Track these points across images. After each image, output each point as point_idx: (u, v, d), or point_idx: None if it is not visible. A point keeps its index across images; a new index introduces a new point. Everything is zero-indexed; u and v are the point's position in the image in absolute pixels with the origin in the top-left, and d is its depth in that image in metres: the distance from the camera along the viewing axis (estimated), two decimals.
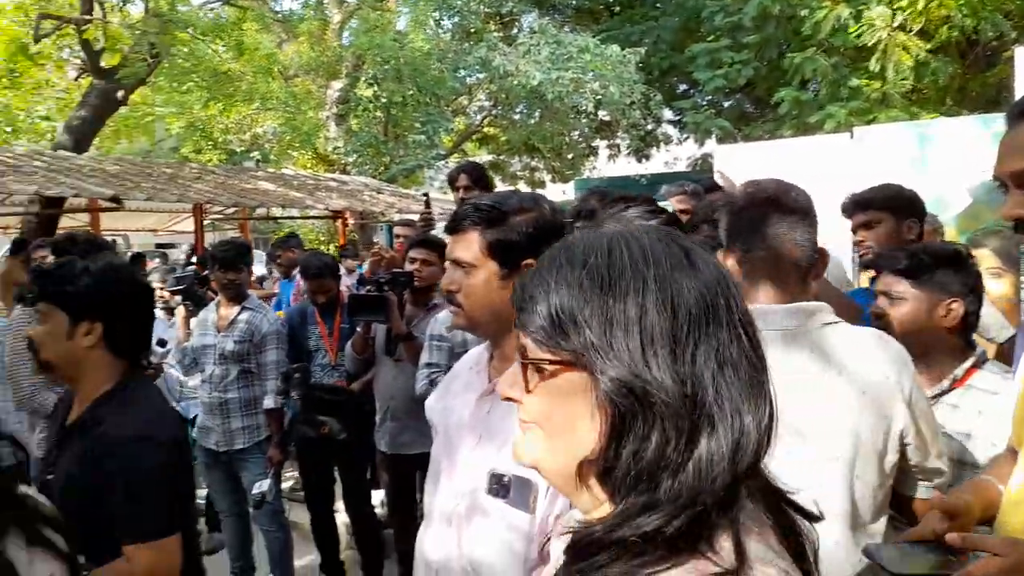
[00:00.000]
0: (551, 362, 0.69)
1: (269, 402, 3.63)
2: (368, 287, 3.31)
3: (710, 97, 12.08)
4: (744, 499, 0.67)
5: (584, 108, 12.68)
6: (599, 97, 12.18)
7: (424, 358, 3.26)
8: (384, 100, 13.07)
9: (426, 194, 4.65)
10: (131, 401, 1.66)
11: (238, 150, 14.58)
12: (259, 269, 9.30)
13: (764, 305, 1.47)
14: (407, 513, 3.82)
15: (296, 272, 5.45)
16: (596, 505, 0.71)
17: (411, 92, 12.83)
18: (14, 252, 7.10)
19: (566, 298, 0.68)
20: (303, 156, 15.42)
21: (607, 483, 0.68)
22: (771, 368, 0.71)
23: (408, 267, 3.37)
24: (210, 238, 11.91)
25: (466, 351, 1.76)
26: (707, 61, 10.26)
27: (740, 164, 4.95)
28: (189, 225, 14.02)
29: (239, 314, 3.65)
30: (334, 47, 13.84)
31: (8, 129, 13.96)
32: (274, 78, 13.41)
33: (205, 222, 11.31)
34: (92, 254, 3.27)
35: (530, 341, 0.70)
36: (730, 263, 1.53)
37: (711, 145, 12.04)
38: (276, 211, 14.11)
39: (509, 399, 0.74)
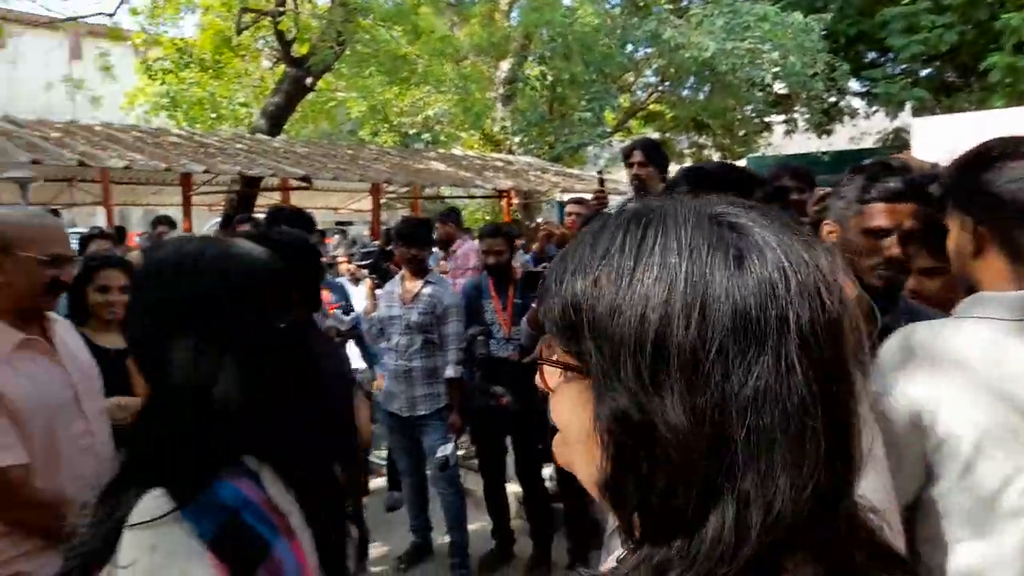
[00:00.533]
0: (562, 363, 0.58)
1: (450, 372, 3.77)
2: (544, 264, 3.34)
3: (905, 66, 11.04)
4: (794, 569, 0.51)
5: (760, 81, 12.00)
6: (778, 68, 11.48)
7: None
8: (551, 79, 13.10)
9: (600, 172, 4.62)
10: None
11: (411, 132, 15.25)
12: None
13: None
14: (578, 489, 3.85)
15: (454, 246, 5.62)
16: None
17: (578, 69, 12.76)
18: (223, 226, 7.95)
19: (579, 293, 0.55)
20: (471, 137, 15.86)
21: (619, 517, 0.55)
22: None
23: None
24: (384, 216, 12.62)
25: None
26: (902, 26, 9.37)
27: (940, 138, 4.48)
28: (365, 204, 14.93)
29: (423, 288, 3.81)
30: (504, 27, 14.05)
31: (213, 115, 15.50)
32: (448, 60, 13.84)
33: (381, 201, 12.00)
34: (298, 225, 3.55)
35: (553, 335, 0.58)
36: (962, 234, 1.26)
37: (904, 118, 11.01)
38: (444, 191, 14.69)
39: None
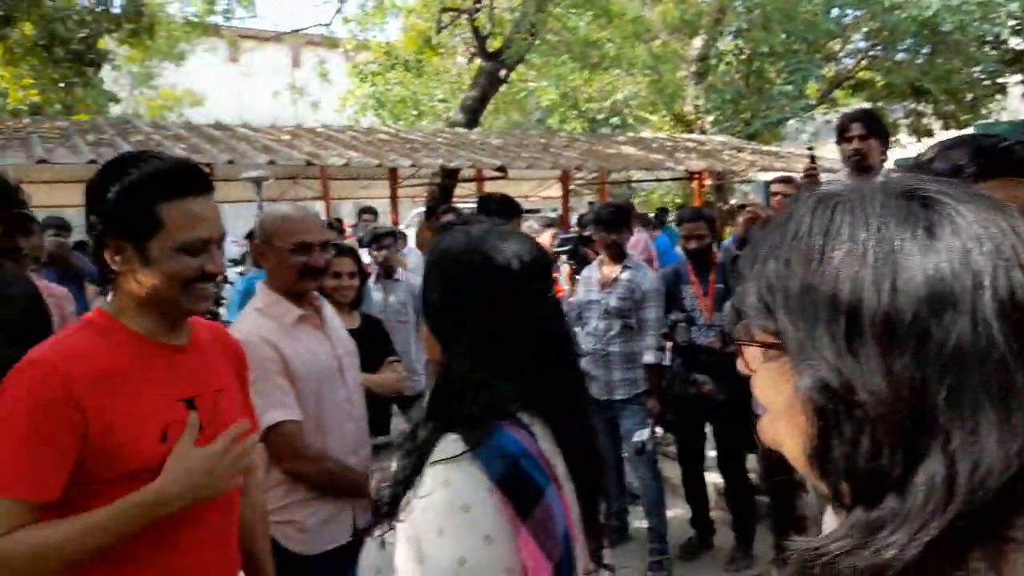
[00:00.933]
0: (760, 344, 0.61)
1: (649, 357, 3.77)
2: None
3: None
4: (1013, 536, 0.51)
5: (996, 36, 10.60)
6: (1016, 22, 10.07)
7: None
8: (747, 52, 12.47)
9: (811, 147, 4.32)
10: None
11: (599, 117, 15.25)
12: None
13: None
14: (784, 480, 3.70)
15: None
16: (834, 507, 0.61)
17: (778, 40, 12.02)
18: (428, 216, 8.50)
19: (772, 275, 0.58)
20: (661, 119, 15.56)
21: (828, 485, 0.58)
22: None
23: None
24: (571, 203, 12.77)
25: None
26: None
27: None
28: (553, 191, 15.20)
29: (621, 272, 3.83)
30: (697, 2, 13.59)
31: (414, 112, 16.55)
32: (639, 42, 13.66)
33: (569, 187, 12.16)
34: (505, 212, 3.73)
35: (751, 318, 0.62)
36: None
37: None
38: (632, 175, 14.55)
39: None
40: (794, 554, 0.59)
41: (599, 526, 1.09)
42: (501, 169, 9.01)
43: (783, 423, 0.61)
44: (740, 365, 0.66)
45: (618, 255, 3.89)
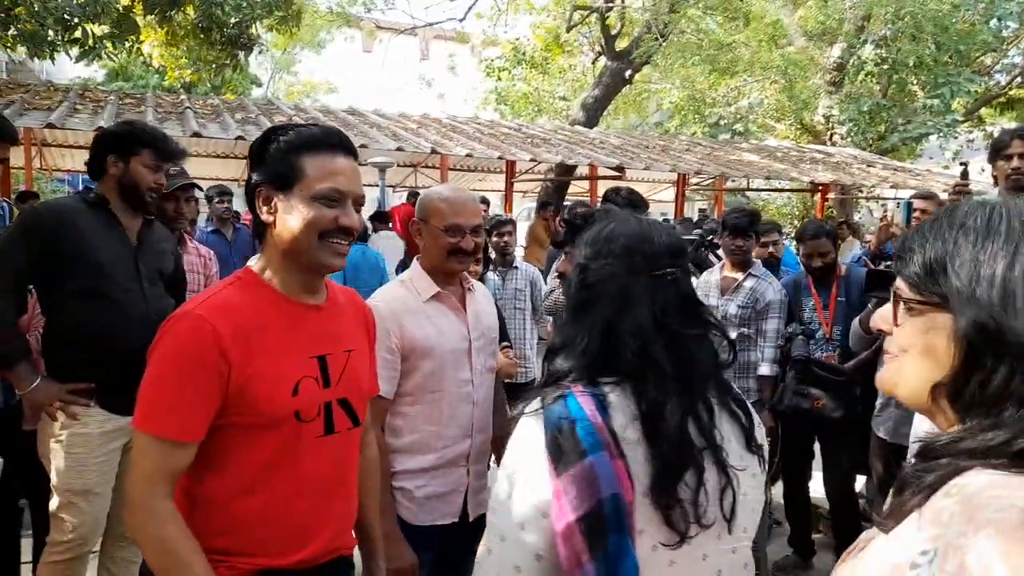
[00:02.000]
0: (918, 302, 0.82)
1: (765, 369, 3.69)
2: (888, 263, 3.11)
3: None
4: None
5: None
6: None
7: None
8: (890, 61, 11.79)
9: (965, 164, 4.08)
10: None
11: (721, 122, 14.91)
12: None
13: None
14: None
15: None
16: (947, 425, 0.82)
17: (927, 51, 11.31)
18: (539, 209, 8.64)
19: (940, 251, 0.80)
20: (787, 128, 15.03)
21: (956, 405, 0.79)
22: None
23: None
24: (686, 208, 12.57)
25: None
26: None
27: None
28: (666, 195, 14.99)
29: (744, 280, 3.77)
30: (840, 8, 13.00)
31: (535, 109, 16.74)
32: (777, 46, 13.21)
33: (686, 192, 11.96)
34: (633, 206, 3.76)
35: (904, 284, 0.84)
36: None
37: None
38: (751, 183, 14.13)
39: (880, 331, 0.88)
40: (919, 442, 0.81)
41: (675, 501, 1.10)
42: (619, 168, 8.98)
43: (912, 363, 0.83)
44: (879, 322, 0.88)
45: (744, 262, 3.83)
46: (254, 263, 1.50)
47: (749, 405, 1.27)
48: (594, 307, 1.19)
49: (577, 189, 12.77)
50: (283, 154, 1.43)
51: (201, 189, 3.79)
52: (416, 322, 2.03)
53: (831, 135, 13.91)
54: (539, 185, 11.89)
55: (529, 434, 1.13)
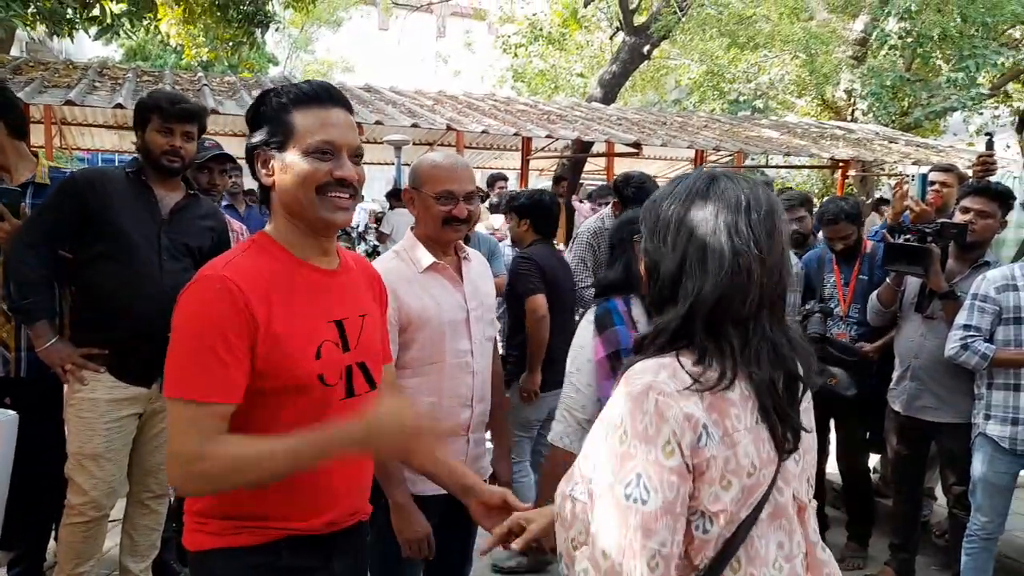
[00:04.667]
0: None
1: None
2: (907, 237, 3.08)
3: None
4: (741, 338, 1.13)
5: None
6: None
7: (961, 319, 2.99)
8: (914, 34, 11.49)
9: (990, 134, 3.99)
10: None
11: (741, 99, 14.71)
12: None
13: None
14: (910, 483, 3.56)
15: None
16: None
17: (954, 24, 11.01)
18: (554, 184, 8.63)
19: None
20: (807, 104, 14.81)
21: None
22: None
23: (960, 218, 3.03)
24: None
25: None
26: None
27: None
28: (683, 173, 14.83)
29: None
30: None
31: (552, 86, 16.61)
32: (798, 19, 12.94)
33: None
34: (644, 187, 3.76)
35: None
36: None
37: None
38: (771, 160, 13.96)
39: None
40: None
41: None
42: (636, 145, 8.91)
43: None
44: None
45: None
46: (267, 228, 1.50)
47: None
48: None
49: (593, 167, 12.70)
50: (275, 113, 1.43)
51: (236, 163, 3.79)
52: (412, 293, 2.01)
53: (852, 111, 13.68)
54: (555, 163, 11.82)
55: (585, 322, 1.98)
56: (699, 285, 1.12)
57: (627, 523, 1.04)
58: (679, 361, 1.10)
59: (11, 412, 2.57)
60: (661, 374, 1.08)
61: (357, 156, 1.46)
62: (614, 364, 1.82)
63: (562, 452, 1.89)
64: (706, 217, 1.14)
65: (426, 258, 2.06)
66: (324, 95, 1.44)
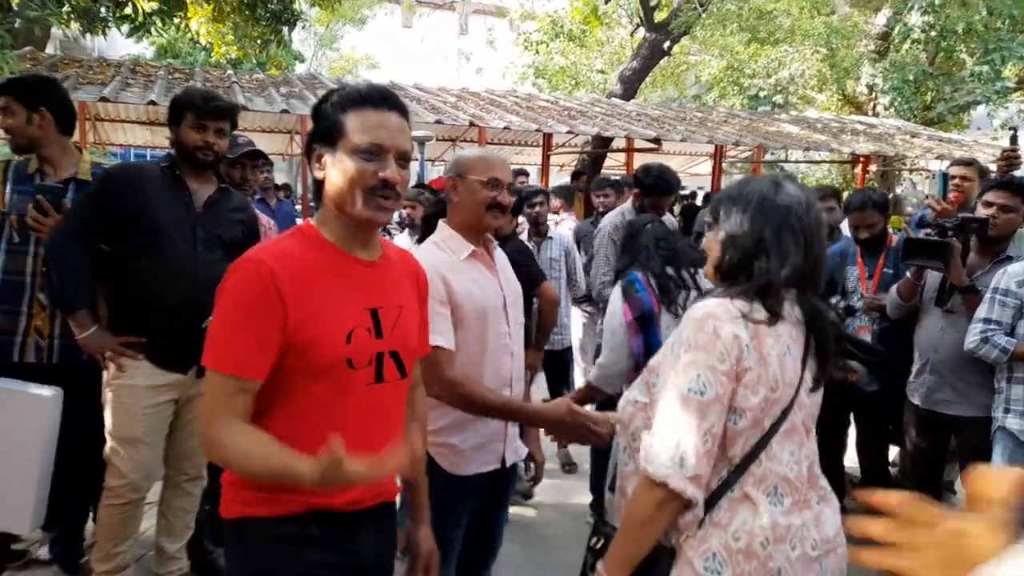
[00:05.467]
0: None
1: None
2: (927, 231, 3.10)
3: None
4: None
5: None
6: None
7: (981, 312, 2.99)
8: (938, 28, 11.35)
9: (1014, 129, 3.96)
10: None
11: (761, 94, 14.64)
12: None
13: None
14: (930, 476, 3.57)
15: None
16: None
17: (979, 17, 10.86)
18: (573, 179, 8.66)
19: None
20: (828, 99, 14.69)
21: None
22: None
23: (982, 212, 3.04)
24: (722, 182, 12.42)
25: None
26: None
27: None
28: (703, 168, 14.80)
29: None
30: None
31: (573, 82, 16.61)
32: (819, 14, 12.82)
33: (723, 165, 11.82)
34: (666, 179, 3.81)
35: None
36: None
37: None
38: (790, 155, 13.89)
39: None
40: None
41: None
42: (656, 140, 8.93)
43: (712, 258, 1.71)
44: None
45: None
46: (314, 219, 1.57)
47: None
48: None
49: (613, 162, 12.72)
50: (331, 112, 1.49)
51: (268, 159, 3.87)
52: (459, 280, 2.09)
53: (874, 106, 13.56)
54: (575, 158, 11.86)
55: (614, 294, 2.63)
56: (778, 261, 1.53)
57: (688, 409, 1.44)
58: (732, 302, 1.52)
59: (56, 388, 2.66)
60: (718, 308, 1.50)
61: (404, 160, 1.51)
62: (640, 324, 2.52)
63: (598, 391, 2.72)
64: (778, 210, 1.55)
65: (466, 247, 2.14)
66: (378, 98, 1.50)
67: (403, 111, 1.54)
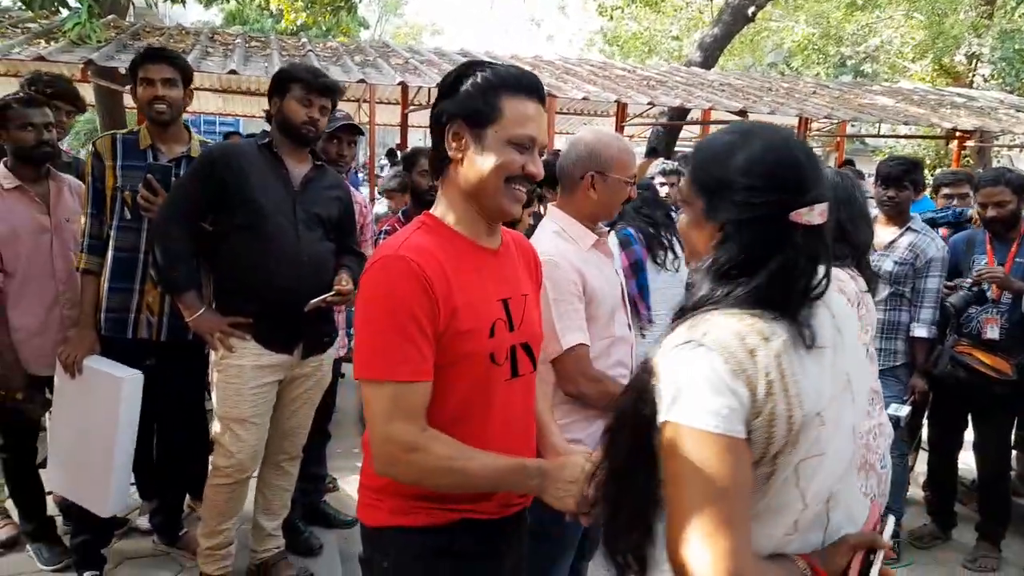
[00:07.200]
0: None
1: (922, 331, 3.44)
2: None
3: None
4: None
5: None
6: None
7: None
8: None
9: None
10: None
11: (847, 63, 13.90)
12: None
13: None
14: None
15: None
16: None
17: None
18: (648, 155, 8.36)
19: None
20: (922, 69, 13.86)
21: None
22: None
23: None
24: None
25: None
26: None
27: None
28: None
29: (902, 235, 3.51)
30: None
31: (646, 49, 16.12)
32: None
33: (807, 138, 11.27)
34: None
35: None
36: None
37: None
38: (873, 129, 13.17)
39: None
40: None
41: None
42: (742, 113, 8.53)
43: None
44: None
45: (898, 214, 3.57)
46: (436, 209, 1.50)
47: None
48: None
49: (688, 134, 12.30)
50: (482, 91, 1.40)
51: (363, 134, 3.83)
52: (590, 272, 2.04)
53: (972, 77, 12.73)
54: (647, 129, 11.48)
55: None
56: (859, 237, 2.22)
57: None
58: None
59: (137, 371, 2.71)
60: None
61: (542, 153, 1.47)
62: (633, 270, 2.94)
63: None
64: (853, 195, 2.23)
65: (589, 236, 2.10)
66: (534, 87, 1.44)
67: (545, 102, 1.48)
